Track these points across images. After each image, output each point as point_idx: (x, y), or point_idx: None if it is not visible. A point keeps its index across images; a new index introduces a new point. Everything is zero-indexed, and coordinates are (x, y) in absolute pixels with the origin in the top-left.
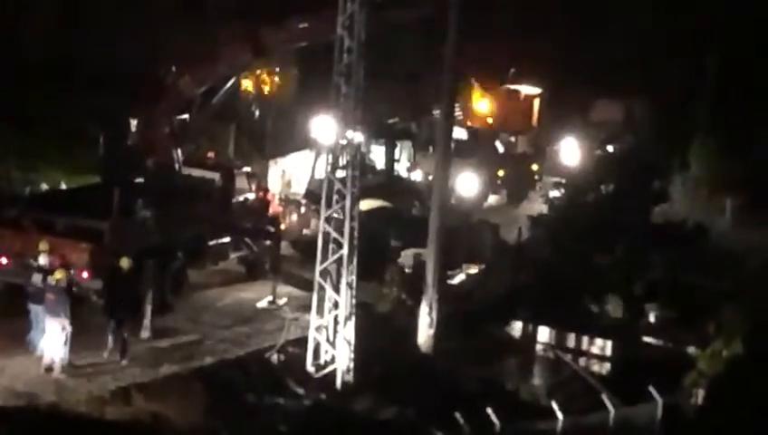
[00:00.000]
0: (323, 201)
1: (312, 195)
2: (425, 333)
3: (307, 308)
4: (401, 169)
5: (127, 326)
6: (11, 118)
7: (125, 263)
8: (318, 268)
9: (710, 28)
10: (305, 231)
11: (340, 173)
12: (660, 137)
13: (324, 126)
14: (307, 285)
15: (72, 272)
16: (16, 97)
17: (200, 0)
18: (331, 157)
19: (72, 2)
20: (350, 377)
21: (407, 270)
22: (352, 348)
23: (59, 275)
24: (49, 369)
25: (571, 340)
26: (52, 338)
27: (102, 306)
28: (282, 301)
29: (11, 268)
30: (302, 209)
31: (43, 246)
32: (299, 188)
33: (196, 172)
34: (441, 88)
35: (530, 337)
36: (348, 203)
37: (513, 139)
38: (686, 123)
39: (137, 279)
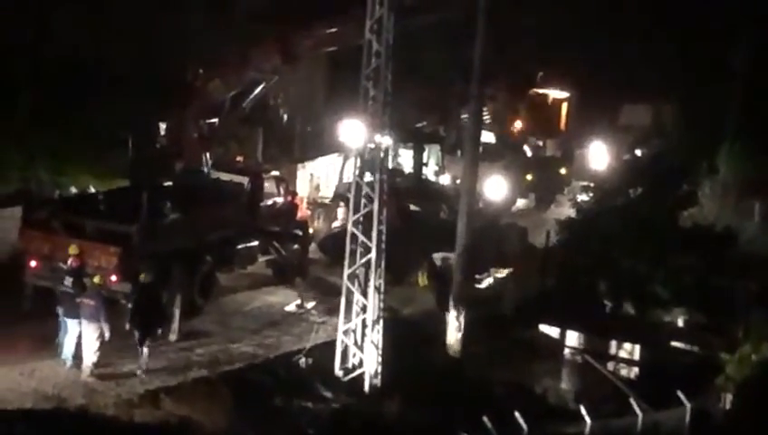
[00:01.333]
0: (351, 205)
1: (341, 198)
2: (453, 336)
3: (335, 312)
4: (429, 172)
5: (149, 339)
6: (40, 120)
7: (144, 277)
8: (346, 272)
9: (738, 31)
10: (335, 224)
11: (368, 177)
12: (689, 140)
13: (352, 130)
14: (335, 289)
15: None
16: (45, 99)
17: (230, 4)
18: (359, 161)
19: (101, 4)
20: (377, 381)
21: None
22: (380, 352)
23: (97, 279)
24: (82, 373)
25: (599, 344)
26: (87, 343)
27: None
28: (310, 304)
29: (40, 271)
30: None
31: (72, 249)
32: (327, 192)
33: (225, 176)
34: (469, 92)
35: (558, 341)
36: (376, 207)
37: (541, 143)
38: (715, 127)
39: (157, 293)
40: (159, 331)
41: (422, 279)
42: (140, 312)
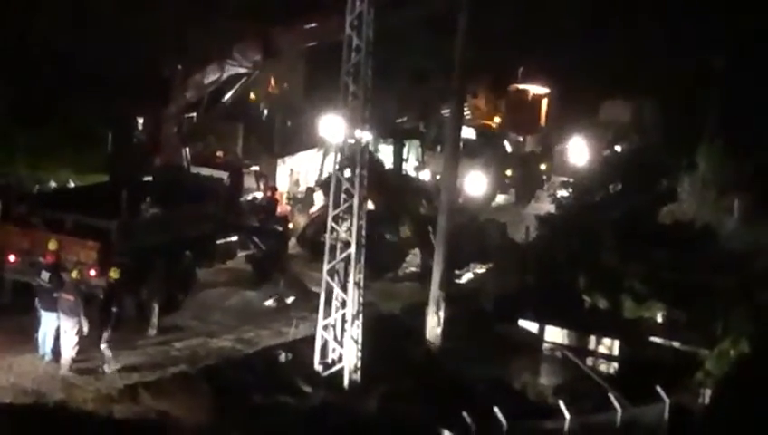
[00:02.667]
0: (331, 200)
1: (317, 184)
2: (432, 331)
3: (314, 307)
4: (409, 168)
5: (105, 337)
6: (19, 116)
7: (114, 273)
8: (326, 267)
9: (717, 29)
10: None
11: (347, 172)
12: (668, 137)
13: (332, 125)
14: (315, 284)
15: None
16: (24, 95)
17: (212, 1)
18: (339, 156)
19: (80, 1)
20: (357, 376)
21: (413, 269)
22: (360, 347)
23: (75, 274)
24: (60, 368)
25: (578, 339)
26: (66, 338)
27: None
28: (289, 300)
29: (19, 266)
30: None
31: (51, 244)
32: (306, 187)
33: (205, 171)
34: (450, 88)
35: (537, 337)
36: (356, 202)
37: (521, 138)
38: (694, 124)
39: (120, 292)
40: (107, 331)
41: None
42: (101, 309)
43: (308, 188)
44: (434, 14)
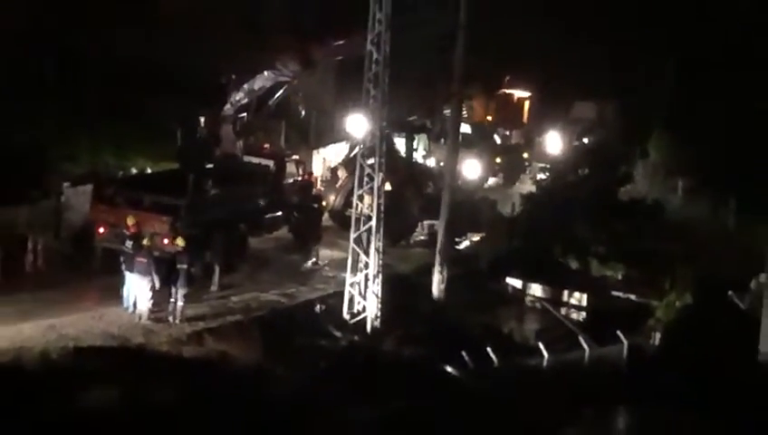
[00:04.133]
0: (356, 181)
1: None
2: (437, 288)
3: (343, 268)
4: (418, 156)
5: (177, 293)
6: (107, 114)
7: (180, 241)
8: (352, 236)
9: (667, 39)
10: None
11: (369, 160)
12: (626, 131)
13: (357, 122)
14: (344, 249)
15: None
16: (111, 97)
17: (257, 19)
18: (362, 147)
19: (157, 20)
20: (377, 323)
21: (422, 238)
22: (380, 300)
23: (146, 241)
24: (139, 317)
25: (554, 293)
26: (141, 293)
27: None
28: (323, 262)
29: (107, 236)
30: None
31: (131, 219)
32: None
33: (255, 160)
34: (450, 92)
35: (522, 291)
36: (376, 184)
37: (507, 132)
38: (647, 119)
39: (191, 254)
40: (179, 288)
41: None
42: (172, 270)
43: (332, 169)
44: (438, 33)
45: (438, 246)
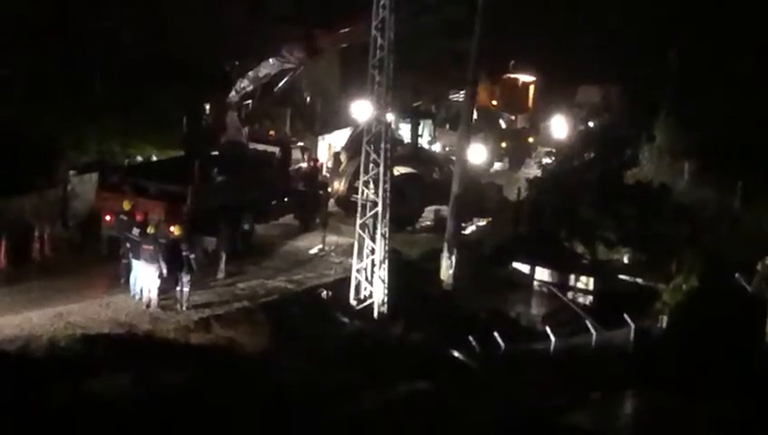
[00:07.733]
0: (362, 168)
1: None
2: (445, 273)
3: (349, 254)
4: (424, 142)
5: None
6: (114, 103)
7: (176, 230)
8: (358, 222)
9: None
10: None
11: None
12: (631, 114)
13: (362, 108)
14: (350, 236)
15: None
16: (116, 86)
17: (263, 8)
18: (367, 133)
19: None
20: (384, 309)
21: (428, 223)
22: (386, 285)
23: (151, 229)
24: (147, 305)
25: (561, 277)
26: (149, 280)
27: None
28: (329, 248)
29: (113, 224)
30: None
31: (139, 206)
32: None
33: (260, 147)
34: (466, 78)
35: (528, 276)
36: (381, 170)
37: (513, 117)
38: (652, 103)
39: (185, 243)
40: (185, 274)
41: None
42: (177, 256)
43: (335, 154)
44: (444, 18)
45: (447, 230)
